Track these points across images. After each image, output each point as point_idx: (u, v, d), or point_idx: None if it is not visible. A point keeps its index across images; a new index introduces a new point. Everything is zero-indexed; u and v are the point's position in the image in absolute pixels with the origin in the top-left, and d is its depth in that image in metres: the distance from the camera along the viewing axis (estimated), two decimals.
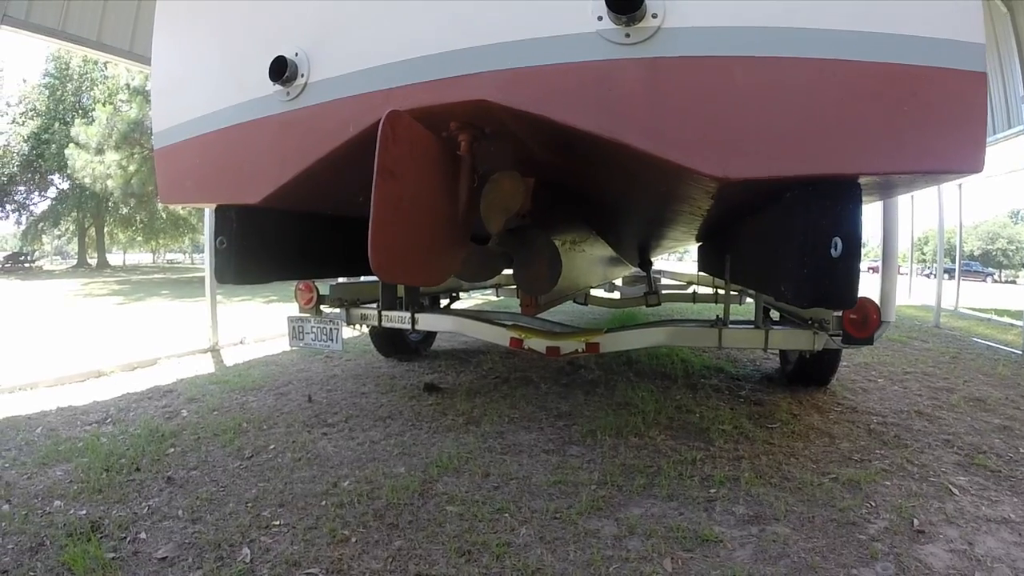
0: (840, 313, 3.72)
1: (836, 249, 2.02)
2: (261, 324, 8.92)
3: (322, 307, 4.71)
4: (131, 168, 25.23)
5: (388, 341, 6.06)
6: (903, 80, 1.76)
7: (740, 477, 3.32)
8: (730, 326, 4.00)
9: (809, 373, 5.22)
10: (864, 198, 2.31)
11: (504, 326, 4.20)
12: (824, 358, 4.77)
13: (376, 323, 4.71)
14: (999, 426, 4.43)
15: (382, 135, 1.92)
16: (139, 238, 39.69)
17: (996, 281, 41.03)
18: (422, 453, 3.61)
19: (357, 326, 4.89)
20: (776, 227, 2.35)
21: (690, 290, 8.48)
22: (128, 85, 28.01)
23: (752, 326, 4.09)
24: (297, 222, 3.52)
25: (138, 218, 33.85)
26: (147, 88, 22.50)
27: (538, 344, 3.97)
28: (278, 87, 2.58)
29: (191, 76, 3.02)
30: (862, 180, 2.04)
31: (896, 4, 1.75)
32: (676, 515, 2.90)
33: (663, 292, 8.18)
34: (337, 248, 3.88)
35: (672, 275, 9.80)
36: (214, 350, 6.94)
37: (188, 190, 3.23)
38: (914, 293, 16.28)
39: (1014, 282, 39.26)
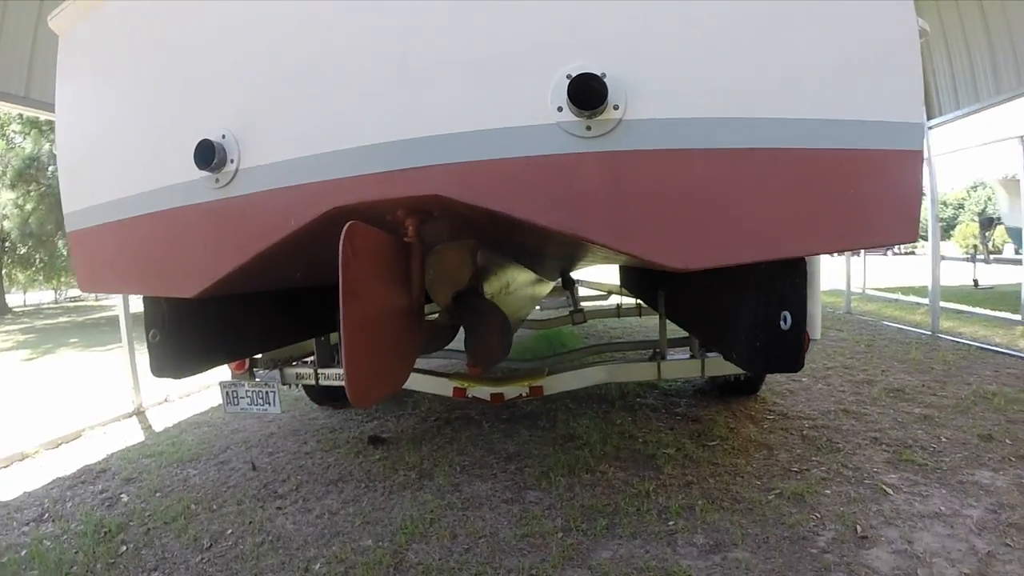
0: None
1: (786, 323, 2.24)
2: None
3: (255, 369, 4.59)
4: (28, 207, 23.36)
5: (321, 389, 5.81)
6: (850, 163, 1.89)
7: (694, 505, 3.53)
8: (668, 359, 4.27)
9: (740, 384, 5.57)
10: None
11: (446, 376, 4.27)
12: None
13: (313, 382, 4.63)
14: (920, 416, 4.92)
15: (344, 256, 1.81)
16: (39, 278, 36.74)
17: (896, 254, 44.25)
18: (384, 520, 3.59)
19: (293, 386, 4.81)
20: (726, 300, 2.52)
21: (613, 303, 8.75)
22: (21, 116, 25.93)
23: (688, 356, 4.38)
24: (235, 302, 3.36)
25: (37, 257, 31.37)
26: (41, 119, 20.67)
27: (481, 392, 4.06)
28: (205, 172, 2.36)
29: (104, 154, 2.77)
30: None
31: (844, 90, 1.88)
32: (643, 554, 3.06)
33: (587, 309, 8.44)
34: (278, 320, 3.82)
35: (589, 285, 9.99)
36: (139, 412, 6.58)
37: (110, 280, 3.01)
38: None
39: (913, 252, 42.53)
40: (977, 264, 15.48)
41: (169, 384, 7.54)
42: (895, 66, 1.91)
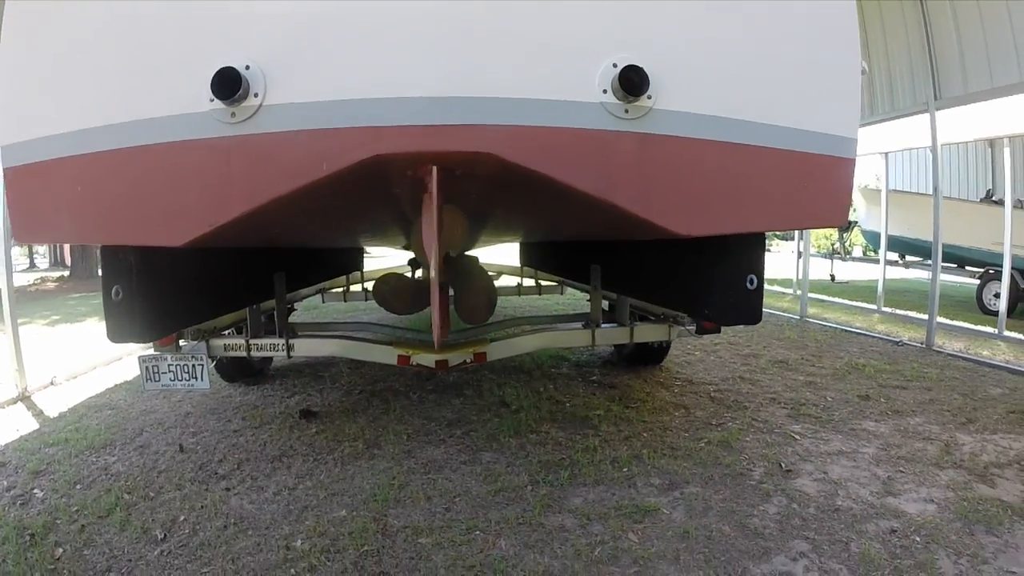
0: None
1: (752, 284, 2.90)
2: (62, 355, 7.79)
3: (181, 341, 4.42)
4: None
5: (233, 365, 5.74)
6: (807, 163, 2.52)
7: (640, 455, 4.09)
8: (602, 326, 4.80)
9: (648, 355, 6.29)
10: None
11: (389, 344, 4.48)
12: (663, 342, 5.79)
13: (244, 353, 4.58)
14: (805, 382, 5.90)
15: (437, 200, 2.06)
16: None
17: None
18: (349, 490, 3.71)
19: (218, 358, 4.72)
20: (700, 266, 3.08)
21: (505, 283, 9.24)
22: None
23: (616, 324, 4.95)
24: (203, 255, 3.22)
25: None
26: None
27: (426, 359, 4.29)
28: (219, 104, 2.21)
29: (69, 74, 2.41)
30: None
31: (809, 108, 2.50)
32: (611, 496, 3.54)
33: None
34: (243, 277, 3.79)
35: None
36: (25, 398, 5.96)
37: (63, 226, 2.65)
38: None
39: (769, 250, 47.38)
40: (834, 261, 17.83)
41: (47, 361, 7.05)
42: (844, 94, 2.58)
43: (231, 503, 3.62)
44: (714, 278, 2.99)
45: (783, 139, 2.47)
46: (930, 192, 14.36)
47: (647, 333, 4.94)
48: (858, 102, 2.61)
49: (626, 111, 2.30)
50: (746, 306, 2.96)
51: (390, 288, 3.26)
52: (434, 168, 2.07)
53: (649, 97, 2.29)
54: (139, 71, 2.34)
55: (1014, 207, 8.25)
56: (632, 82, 2.21)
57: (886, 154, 10.69)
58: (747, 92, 2.43)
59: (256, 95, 2.22)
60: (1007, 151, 8.19)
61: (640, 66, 2.21)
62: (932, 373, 6.36)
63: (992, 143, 13.09)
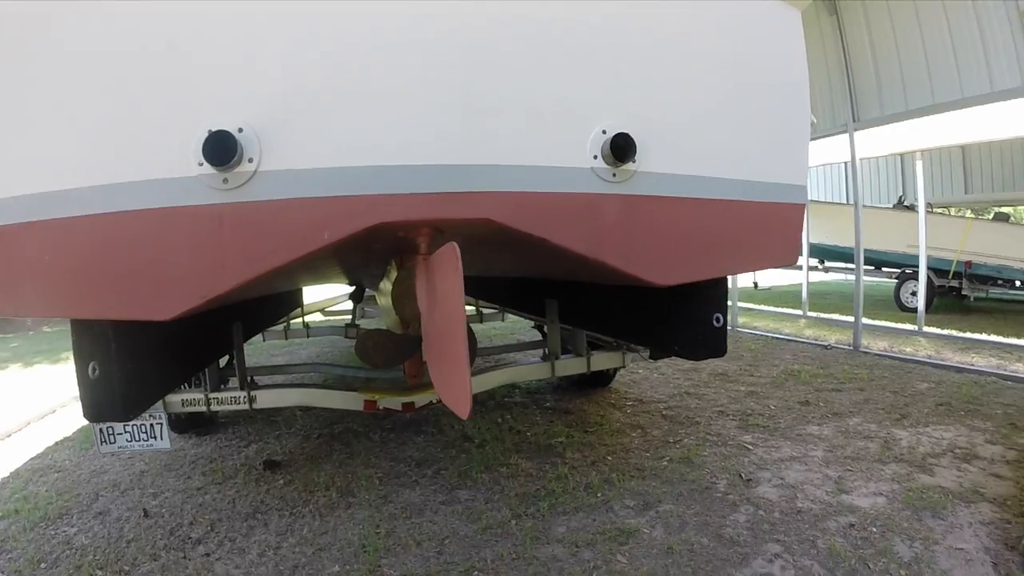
0: None
1: (718, 322, 3.35)
2: None
3: None
4: None
5: (185, 417, 5.52)
6: (765, 211, 2.94)
7: (610, 478, 4.43)
8: (561, 357, 5.16)
9: (597, 379, 6.69)
10: None
11: (354, 390, 4.64)
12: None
13: (204, 408, 4.54)
14: (747, 392, 6.46)
15: (457, 273, 2.13)
16: None
17: None
18: (336, 543, 3.78)
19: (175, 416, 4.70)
20: (670, 306, 3.45)
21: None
22: None
23: (572, 355, 5.33)
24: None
25: None
26: None
27: (393, 402, 4.49)
28: (209, 169, 2.16)
29: (36, 132, 2.28)
30: None
31: (766, 161, 2.92)
32: (592, 522, 3.85)
33: None
34: (207, 334, 3.88)
35: None
36: None
37: (26, 299, 2.48)
38: None
39: None
40: None
41: None
42: (797, 146, 3.06)
43: (216, 570, 3.56)
44: (684, 318, 3.38)
45: (747, 192, 2.88)
46: (843, 201, 15.73)
47: (603, 361, 5.31)
48: (808, 152, 3.08)
49: (614, 175, 2.60)
50: (713, 342, 3.40)
51: (374, 344, 3.41)
52: (455, 244, 2.11)
53: (634, 161, 2.60)
54: (118, 130, 2.25)
55: (926, 212, 9.18)
56: (621, 148, 2.51)
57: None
58: (715, 151, 2.82)
59: (251, 160, 2.20)
60: (919, 163, 9.14)
61: (627, 132, 2.52)
62: (863, 374, 7.11)
63: (902, 155, 14.43)
